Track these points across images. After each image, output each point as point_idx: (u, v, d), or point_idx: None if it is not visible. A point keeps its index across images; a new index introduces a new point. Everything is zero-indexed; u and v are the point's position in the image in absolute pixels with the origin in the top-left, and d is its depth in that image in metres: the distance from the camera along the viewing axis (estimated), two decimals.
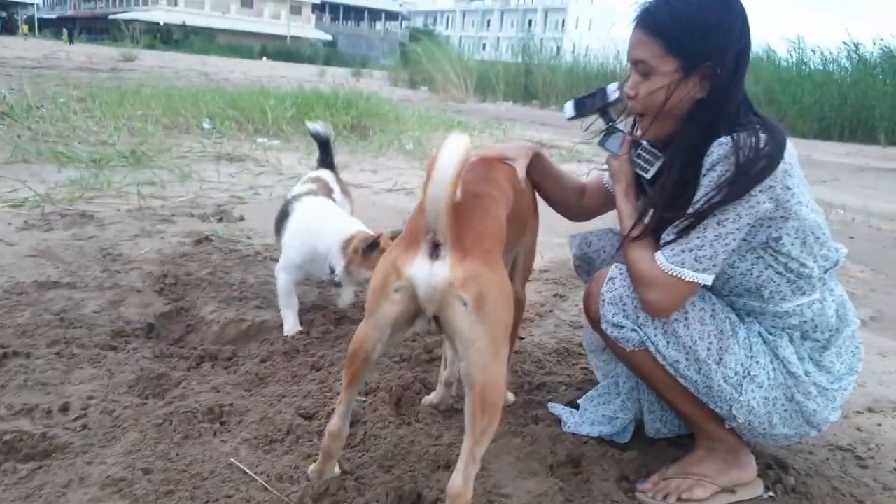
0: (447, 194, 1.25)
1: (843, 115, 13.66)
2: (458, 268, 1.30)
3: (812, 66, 15.62)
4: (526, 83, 17.61)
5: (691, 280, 1.53)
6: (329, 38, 72.05)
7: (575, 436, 1.96)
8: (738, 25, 1.52)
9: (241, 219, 4.17)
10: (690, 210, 1.52)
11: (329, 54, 46.17)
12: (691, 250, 1.52)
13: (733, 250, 1.54)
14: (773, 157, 1.46)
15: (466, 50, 25.14)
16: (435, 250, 1.32)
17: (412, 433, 1.94)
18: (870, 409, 2.25)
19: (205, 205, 4.41)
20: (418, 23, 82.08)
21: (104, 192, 4.38)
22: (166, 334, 2.61)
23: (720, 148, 1.48)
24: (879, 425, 2.16)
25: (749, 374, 1.60)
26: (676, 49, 1.52)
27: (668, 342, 1.62)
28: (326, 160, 3.35)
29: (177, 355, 2.38)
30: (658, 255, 1.56)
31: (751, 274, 1.61)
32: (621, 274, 1.67)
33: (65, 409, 1.90)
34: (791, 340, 1.66)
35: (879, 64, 14.31)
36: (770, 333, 1.66)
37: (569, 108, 1.89)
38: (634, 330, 1.64)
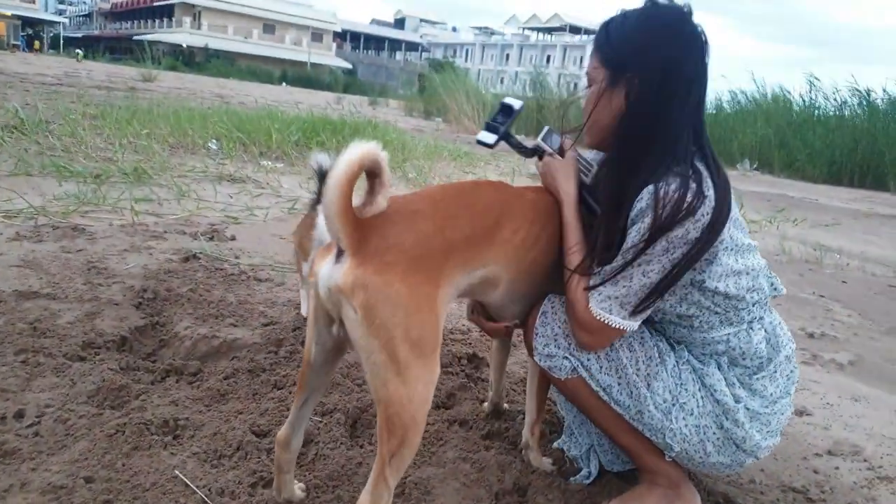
0: (338, 198, 1.26)
1: (854, 161, 13.63)
2: (350, 274, 1.30)
3: (824, 111, 15.65)
4: (538, 118, 17.71)
5: (618, 327, 1.56)
6: (349, 66, 73.14)
7: (524, 464, 1.96)
8: (669, 43, 1.52)
9: (233, 238, 4.23)
10: (619, 257, 1.54)
11: (348, 82, 46.83)
12: (617, 297, 1.54)
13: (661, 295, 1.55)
14: (694, 212, 1.45)
15: (484, 83, 25.40)
16: (340, 253, 1.34)
17: (362, 455, 1.95)
18: (829, 452, 2.23)
19: (198, 223, 4.47)
20: (438, 54, 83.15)
21: (100, 206, 4.46)
22: (138, 348, 2.64)
23: (647, 197, 1.48)
24: (837, 468, 2.14)
25: (678, 401, 1.62)
26: (606, 59, 1.61)
27: (599, 367, 1.65)
28: None
29: (143, 368, 2.41)
30: (590, 301, 1.57)
31: (679, 306, 1.63)
32: (552, 307, 1.72)
33: (20, 415, 1.93)
34: (719, 367, 1.67)
35: (889, 111, 14.32)
36: (699, 361, 1.68)
37: (485, 136, 1.85)
38: (567, 357, 1.67)
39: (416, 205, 1.47)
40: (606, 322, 1.55)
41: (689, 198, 1.45)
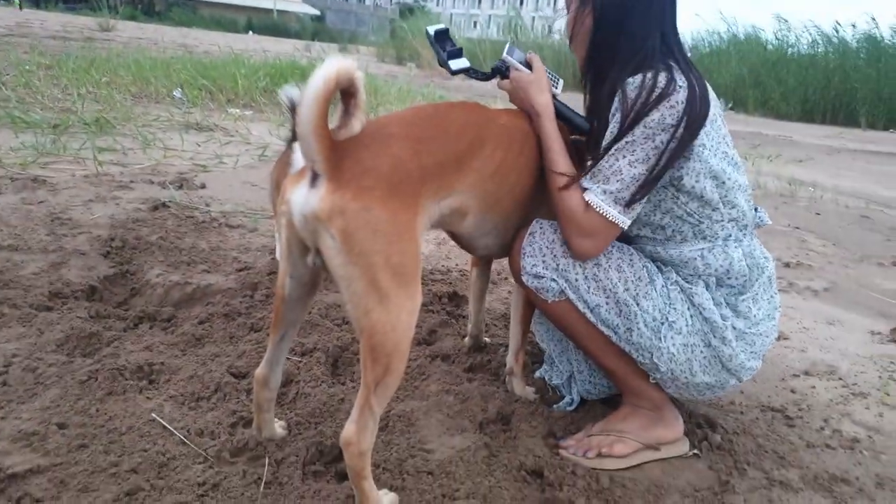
0: (313, 118, 1.19)
1: (827, 98, 13.70)
2: (327, 199, 1.24)
3: (797, 50, 15.61)
4: None
5: (615, 222, 1.55)
6: (317, 12, 71.04)
7: (507, 394, 1.96)
8: None
9: (203, 187, 4.11)
10: (603, 151, 1.56)
11: (317, 29, 45.44)
12: (611, 192, 1.55)
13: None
14: (667, 97, 1.50)
15: (457, 27, 24.83)
16: (315, 178, 1.28)
17: (344, 391, 1.93)
18: (806, 373, 2.26)
19: (166, 172, 4.34)
20: None
21: (60, 157, 4.30)
22: (108, 297, 2.57)
23: (621, 92, 1.55)
24: (813, 387, 2.17)
25: (667, 320, 1.62)
26: None
27: (588, 287, 1.64)
28: None
29: (114, 316, 2.34)
30: (588, 199, 1.56)
31: (654, 214, 1.65)
32: (541, 229, 1.70)
33: None
34: (707, 287, 1.67)
35: (861, 48, 14.34)
36: (686, 281, 1.67)
37: (457, 63, 1.80)
38: (554, 279, 1.65)
39: (389, 128, 1.41)
40: (607, 216, 1.55)
41: (661, 83, 1.52)
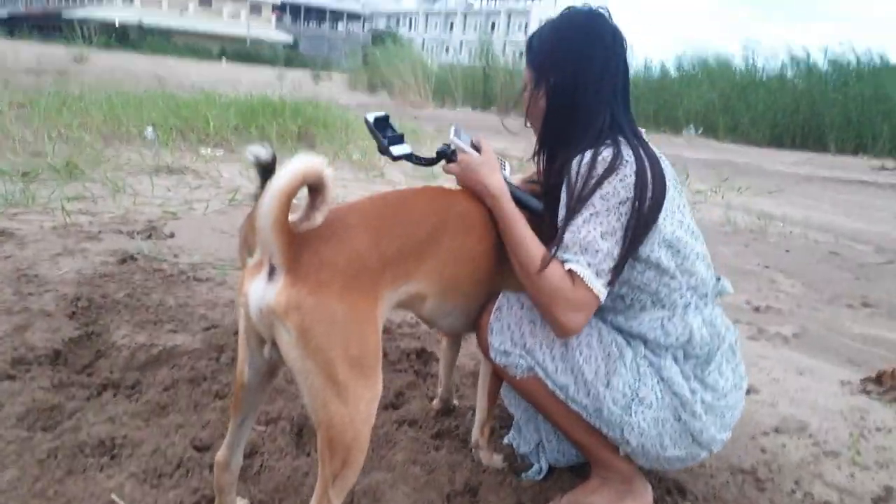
0: (273, 214, 1.21)
1: (796, 123, 13.99)
2: (283, 294, 1.25)
3: (766, 73, 15.97)
4: (485, 88, 17.60)
5: (598, 294, 1.52)
6: (290, 39, 71.30)
7: (475, 463, 1.94)
8: (583, 46, 1.66)
9: (172, 236, 4.07)
10: (568, 226, 1.55)
11: (290, 56, 45.62)
12: (592, 265, 1.51)
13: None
14: (615, 170, 1.53)
15: (429, 53, 25.07)
16: (273, 271, 1.29)
17: (308, 464, 1.90)
18: (776, 430, 2.27)
19: (135, 220, 4.30)
20: (381, 24, 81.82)
21: (29, 207, 4.24)
22: (73, 361, 2.52)
23: (573, 167, 1.59)
24: (784, 446, 2.18)
25: (637, 395, 1.62)
26: (531, 64, 1.76)
27: (556, 367, 1.64)
28: None
29: (77, 384, 2.29)
30: (578, 271, 1.52)
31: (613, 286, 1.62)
32: (508, 303, 1.70)
33: None
34: (675, 360, 1.68)
35: (829, 73, 14.69)
36: (654, 354, 1.68)
37: (399, 149, 1.79)
38: (522, 357, 1.66)
39: (349, 218, 1.42)
40: (594, 289, 1.51)
41: (607, 158, 1.55)
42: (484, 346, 1.73)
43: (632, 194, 1.53)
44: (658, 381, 1.65)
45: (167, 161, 5.79)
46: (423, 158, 1.87)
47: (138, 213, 4.45)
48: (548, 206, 1.78)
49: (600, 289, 1.52)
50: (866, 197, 7.86)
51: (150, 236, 4.01)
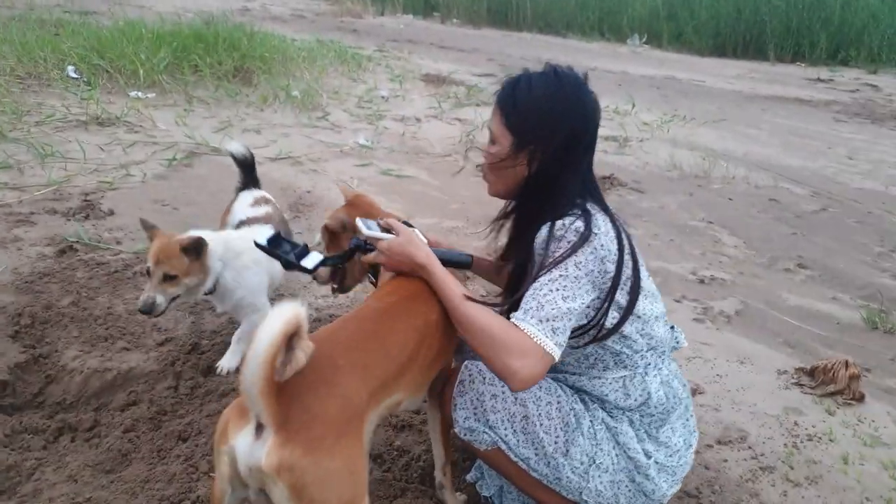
0: (261, 378, 1.20)
1: (738, 32, 13.90)
2: (275, 454, 1.25)
3: None
4: None
5: (550, 352, 1.50)
6: None
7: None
8: (568, 117, 1.63)
9: (111, 213, 3.89)
10: (534, 284, 1.55)
11: None
12: (547, 320, 1.50)
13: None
14: (587, 241, 1.56)
15: None
16: (260, 428, 1.28)
17: None
18: (718, 442, 2.41)
19: (69, 195, 4.08)
20: None
21: None
22: (23, 389, 2.46)
23: (545, 231, 1.61)
24: (725, 461, 2.32)
25: (594, 461, 1.71)
26: (510, 125, 1.68)
27: (517, 441, 1.71)
28: (251, 179, 3.12)
29: (31, 429, 2.24)
30: (523, 326, 1.51)
31: (578, 342, 1.67)
32: (470, 377, 1.74)
33: None
34: (631, 423, 1.75)
35: None
36: (612, 417, 1.75)
37: (310, 260, 1.77)
38: (486, 433, 1.71)
39: (334, 358, 1.41)
40: (542, 345, 1.48)
41: (580, 228, 1.58)
42: (448, 419, 1.78)
43: (596, 267, 1.57)
44: (614, 447, 1.72)
45: (96, 111, 5.42)
46: (338, 257, 1.88)
47: (72, 186, 4.21)
48: (512, 273, 1.80)
49: (550, 346, 1.49)
50: (802, 121, 8.01)
51: (87, 216, 3.83)
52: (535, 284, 1.56)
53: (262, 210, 2.89)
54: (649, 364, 1.74)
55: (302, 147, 5.34)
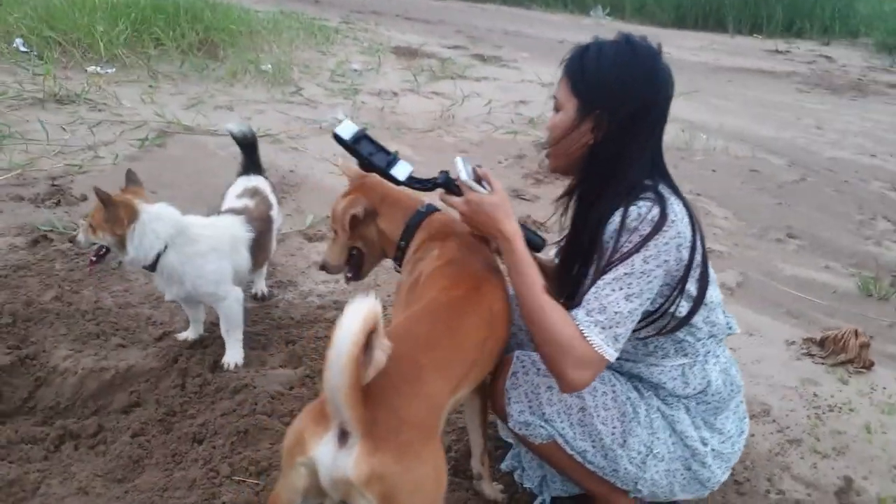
0: (346, 382, 1.11)
1: (698, 3, 14.01)
2: (364, 463, 1.17)
3: None
4: None
5: (608, 357, 1.48)
6: None
7: (477, 495, 1.95)
8: (640, 87, 1.54)
9: (84, 199, 3.67)
10: (599, 282, 1.50)
11: None
12: (608, 326, 1.47)
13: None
14: (660, 231, 1.48)
15: None
16: (344, 435, 1.19)
17: None
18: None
19: (34, 179, 3.82)
20: None
21: None
22: (10, 394, 2.29)
23: (617, 219, 1.51)
24: (752, 435, 2.30)
25: (651, 451, 1.66)
26: (576, 90, 1.58)
27: (574, 433, 1.65)
28: (253, 162, 2.89)
29: (30, 438, 2.08)
30: (586, 333, 1.47)
31: (645, 334, 1.63)
32: (523, 368, 1.67)
33: None
34: (687, 411, 1.71)
35: None
36: (667, 405, 1.70)
37: (345, 129, 1.67)
38: (542, 426, 1.65)
39: (417, 356, 1.33)
40: (601, 353, 1.46)
41: (655, 217, 1.48)
42: (501, 413, 1.70)
43: (671, 257, 1.50)
44: (670, 434, 1.68)
45: (53, 88, 5.10)
46: (423, 181, 1.73)
47: (37, 169, 3.95)
48: (569, 254, 1.72)
49: (611, 354, 1.48)
50: (768, 92, 8.11)
51: (58, 202, 3.60)
52: (600, 283, 1.49)
53: (242, 202, 2.66)
54: (709, 352, 1.70)
55: (279, 124, 5.13)
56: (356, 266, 1.95)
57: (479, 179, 1.65)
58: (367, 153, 1.68)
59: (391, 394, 1.22)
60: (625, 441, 1.64)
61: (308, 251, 3.40)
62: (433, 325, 1.48)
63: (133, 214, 2.24)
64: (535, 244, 1.76)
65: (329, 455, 1.18)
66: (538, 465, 1.94)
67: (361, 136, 1.69)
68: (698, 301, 1.59)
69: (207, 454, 2.03)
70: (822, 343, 2.85)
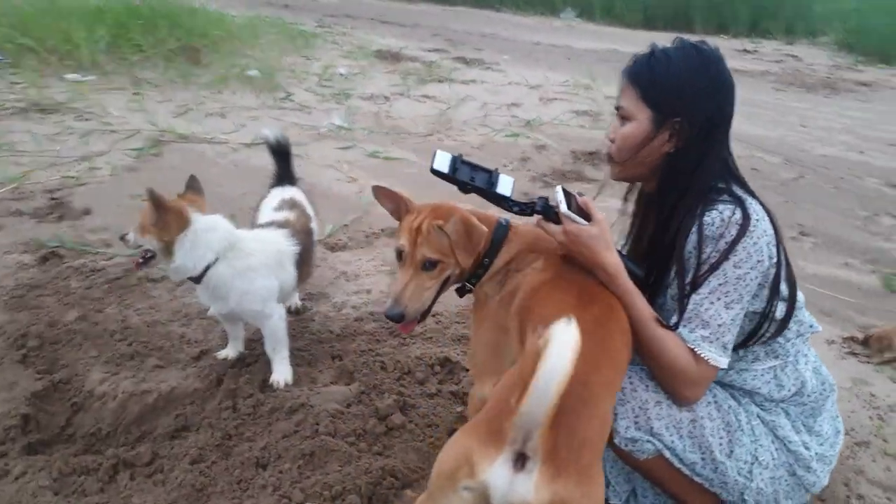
0: (549, 413, 1.04)
1: (665, 5, 14.23)
2: (546, 490, 1.09)
3: None
4: None
5: (721, 367, 1.52)
6: None
7: None
8: (714, 92, 1.54)
9: (87, 212, 3.49)
10: (693, 297, 1.51)
11: None
12: (715, 337, 1.50)
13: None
14: (747, 233, 1.47)
15: None
16: (521, 458, 1.11)
17: None
18: None
19: (31, 193, 3.63)
20: None
21: None
22: (47, 422, 2.14)
23: (698, 230, 1.50)
24: None
25: (757, 459, 1.62)
26: (649, 99, 1.57)
27: (684, 446, 1.60)
28: (287, 172, 2.76)
29: (80, 469, 1.94)
30: (701, 351, 1.49)
31: (744, 346, 1.61)
32: (631, 385, 1.61)
33: None
34: (787, 415, 1.67)
35: None
36: (765, 411, 1.67)
37: (441, 160, 1.60)
38: (650, 441, 1.59)
39: (584, 375, 1.21)
40: (716, 365, 1.50)
41: (739, 219, 1.48)
42: None
43: (761, 256, 1.48)
44: (773, 441, 1.64)
45: (33, 96, 4.87)
46: (522, 205, 1.65)
47: (32, 182, 3.74)
48: (653, 262, 1.66)
49: (724, 362, 1.51)
50: (747, 91, 8.23)
51: (61, 217, 3.41)
52: (696, 297, 1.50)
53: (282, 215, 2.52)
54: (798, 351, 1.67)
55: (276, 131, 4.98)
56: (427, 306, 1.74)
57: (579, 211, 1.58)
58: (469, 178, 1.61)
59: (568, 415, 1.14)
60: (731, 451, 1.60)
61: (333, 261, 3.28)
62: (589, 344, 1.41)
63: (183, 222, 2.11)
64: (635, 275, 1.67)
65: (505, 479, 1.10)
66: (625, 479, 1.88)
67: (458, 163, 1.62)
68: (792, 299, 1.58)
69: (275, 480, 1.91)
70: (865, 342, 2.85)
